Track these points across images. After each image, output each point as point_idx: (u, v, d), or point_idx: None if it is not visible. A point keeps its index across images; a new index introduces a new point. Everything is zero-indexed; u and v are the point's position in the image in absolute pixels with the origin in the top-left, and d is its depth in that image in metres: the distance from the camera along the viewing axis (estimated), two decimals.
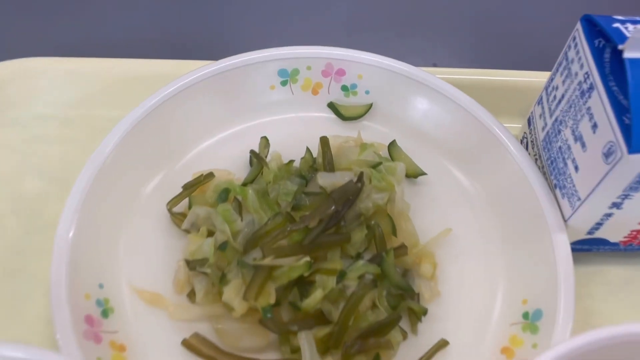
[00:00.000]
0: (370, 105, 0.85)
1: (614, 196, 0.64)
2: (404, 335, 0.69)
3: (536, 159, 0.78)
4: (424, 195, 0.80)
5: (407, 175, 0.80)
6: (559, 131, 0.71)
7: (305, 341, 0.63)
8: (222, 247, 0.69)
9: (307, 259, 0.66)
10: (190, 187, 0.74)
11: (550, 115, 0.74)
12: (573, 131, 0.68)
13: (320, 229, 0.70)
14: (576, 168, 0.68)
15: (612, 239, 0.74)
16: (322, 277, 0.67)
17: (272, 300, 0.64)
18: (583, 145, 0.66)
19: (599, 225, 0.70)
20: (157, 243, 0.74)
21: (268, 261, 0.65)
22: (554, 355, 0.50)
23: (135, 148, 0.75)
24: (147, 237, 0.74)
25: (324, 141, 0.79)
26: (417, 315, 0.69)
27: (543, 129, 0.76)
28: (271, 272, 0.66)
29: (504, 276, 0.73)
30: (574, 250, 0.72)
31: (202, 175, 0.75)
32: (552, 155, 0.74)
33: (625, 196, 0.64)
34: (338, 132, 0.83)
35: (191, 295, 0.70)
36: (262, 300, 0.64)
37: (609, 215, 0.68)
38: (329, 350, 0.65)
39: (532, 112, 0.80)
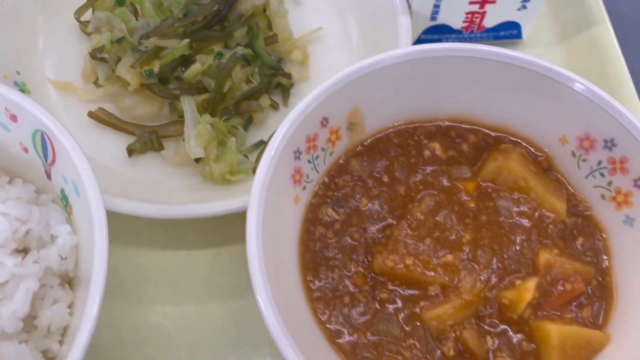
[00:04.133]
0: None
1: None
2: (275, 106, 0.83)
3: None
4: (303, 4, 0.92)
5: None
6: None
7: (187, 102, 0.77)
8: (119, 40, 0.82)
9: (188, 40, 0.79)
10: None
11: None
12: None
13: (203, 23, 0.82)
14: None
15: (455, 25, 0.87)
16: (202, 56, 0.80)
17: (156, 69, 0.77)
18: None
19: (437, 8, 0.83)
20: (69, 45, 0.87)
21: (153, 41, 0.78)
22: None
23: None
24: (60, 40, 0.86)
25: None
26: (287, 88, 0.83)
27: None
28: (158, 53, 0.79)
29: None
30: (429, 40, 0.86)
31: None
32: None
33: None
34: None
35: (96, 83, 0.83)
36: (147, 67, 0.77)
37: None
38: (210, 113, 0.79)
39: None
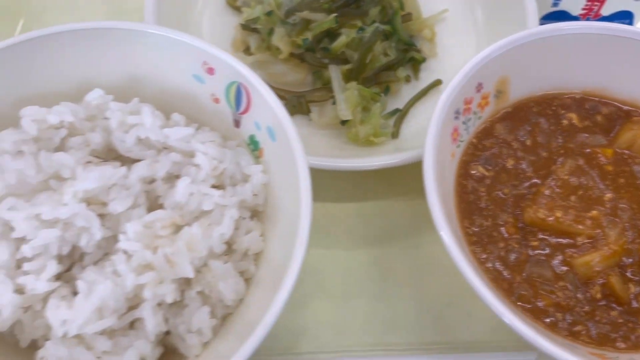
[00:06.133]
0: None
1: None
2: (408, 79, 0.90)
3: None
4: None
5: None
6: None
7: (334, 70, 0.85)
8: (268, 13, 0.90)
9: (334, 15, 0.87)
10: None
11: None
12: None
13: (343, 0, 0.90)
14: None
15: (573, 12, 0.94)
16: (346, 30, 0.88)
17: (310, 38, 0.85)
18: None
19: None
20: (218, 18, 0.96)
21: (305, 14, 0.86)
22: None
23: None
24: (211, 13, 0.96)
25: None
26: (418, 61, 0.90)
27: None
28: (307, 25, 0.87)
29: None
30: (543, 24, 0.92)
31: None
32: None
33: None
34: None
35: (246, 51, 0.92)
36: (300, 37, 0.85)
37: None
38: (351, 81, 0.86)
39: None
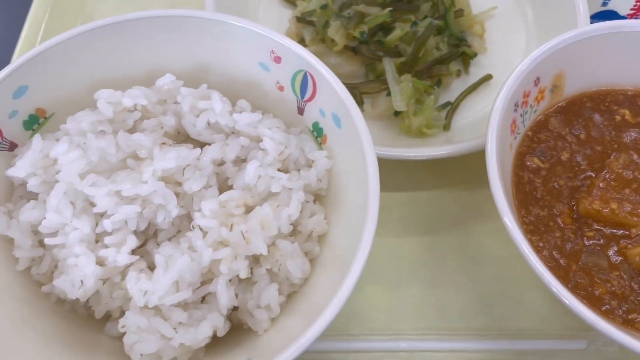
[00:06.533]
0: None
1: None
2: (459, 73, 0.92)
3: None
4: None
5: None
6: None
7: (388, 63, 0.87)
8: (323, 6, 0.92)
9: (389, 9, 0.89)
10: None
11: None
12: None
13: None
14: None
15: (622, 12, 0.95)
16: (400, 24, 0.90)
17: (365, 30, 0.88)
18: None
19: None
20: (271, 10, 0.98)
21: (361, 8, 0.88)
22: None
23: None
24: (266, 5, 0.99)
25: None
26: (470, 55, 0.92)
27: None
28: (362, 18, 0.89)
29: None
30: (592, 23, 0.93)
31: None
32: None
33: None
34: None
35: (301, 43, 0.94)
36: (357, 30, 0.87)
37: None
38: (404, 74, 0.88)
39: None
